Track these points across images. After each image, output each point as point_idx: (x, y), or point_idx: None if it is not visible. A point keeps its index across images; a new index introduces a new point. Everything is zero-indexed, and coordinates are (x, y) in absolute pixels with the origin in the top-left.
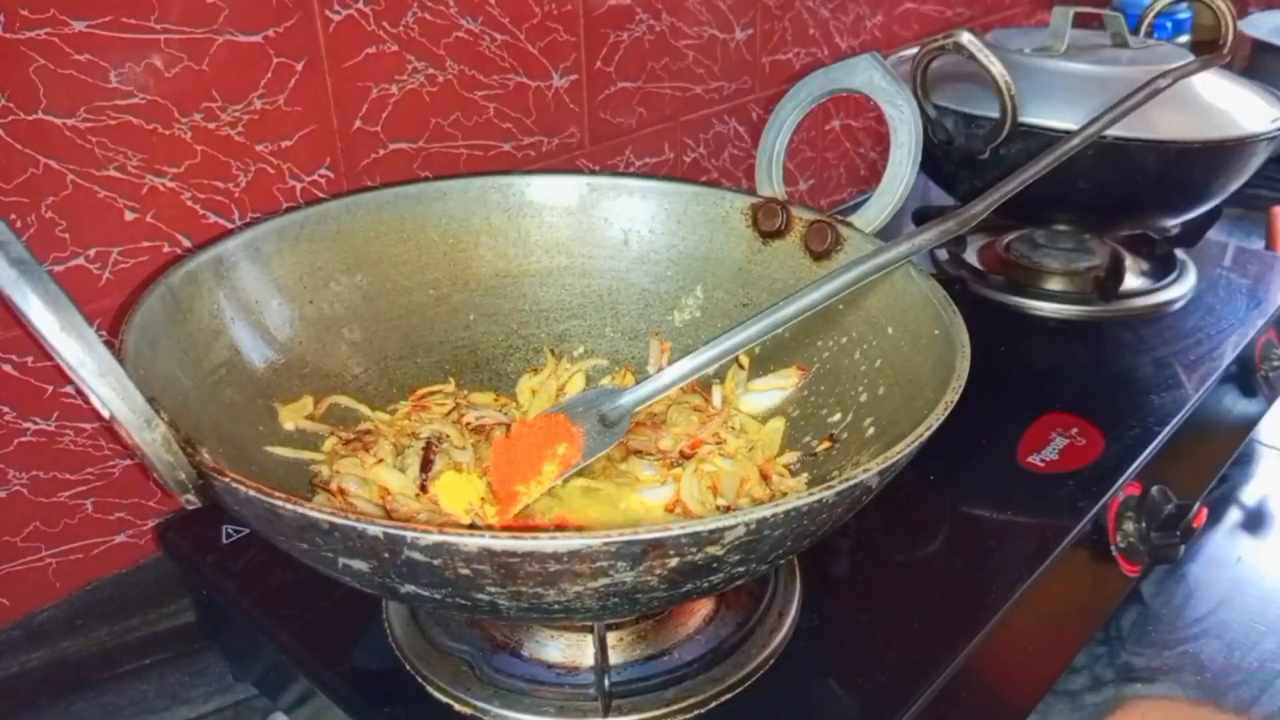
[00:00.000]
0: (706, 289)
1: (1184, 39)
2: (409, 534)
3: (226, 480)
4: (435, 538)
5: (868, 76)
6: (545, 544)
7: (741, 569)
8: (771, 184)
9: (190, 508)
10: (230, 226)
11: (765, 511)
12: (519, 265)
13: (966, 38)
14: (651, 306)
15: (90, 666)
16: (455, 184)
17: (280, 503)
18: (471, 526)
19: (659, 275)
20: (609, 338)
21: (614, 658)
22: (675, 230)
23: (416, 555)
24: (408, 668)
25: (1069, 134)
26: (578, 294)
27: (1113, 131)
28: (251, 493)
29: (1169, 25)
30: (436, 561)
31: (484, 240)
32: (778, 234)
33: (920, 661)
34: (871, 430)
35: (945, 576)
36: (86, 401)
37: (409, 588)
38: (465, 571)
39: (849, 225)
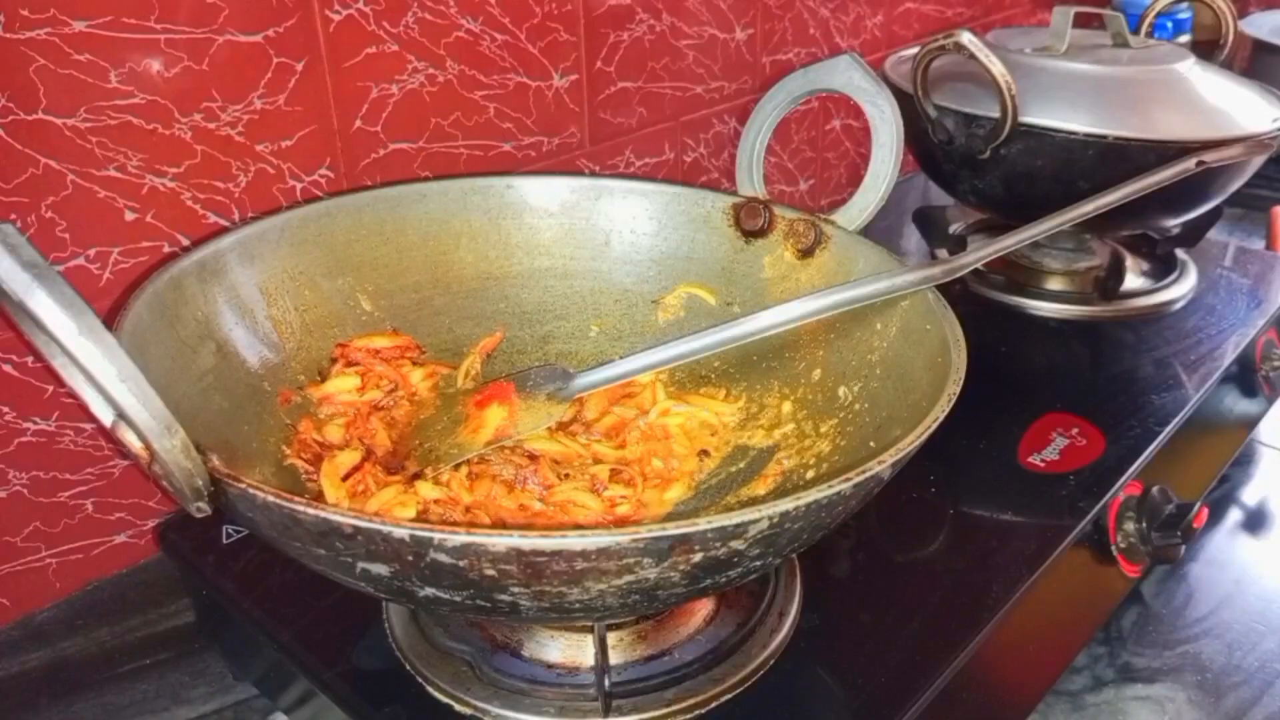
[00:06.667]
0: (690, 289)
1: (1184, 39)
2: (436, 535)
3: (242, 487)
4: (463, 538)
5: (848, 77)
6: (574, 541)
7: (758, 563)
8: (753, 183)
9: (200, 515)
10: (230, 226)
11: (788, 505)
12: (500, 267)
13: (967, 37)
14: (635, 307)
15: (90, 667)
16: (434, 186)
17: (301, 507)
18: (496, 526)
19: (642, 276)
20: (592, 339)
21: (614, 658)
22: (657, 231)
23: (442, 557)
24: (408, 668)
25: (1079, 138)
26: (560, 295)
27: (1114, 132)
28: (270, 498)
29: (1169, 25)
30: (463, 563)
31: (464, 243)
32: (760, 233)
33: (920, 661)
34: (868, 426)
35: (945, 577)
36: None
37: (429, 591)
38: (491, 572)
39: (831, 223)
